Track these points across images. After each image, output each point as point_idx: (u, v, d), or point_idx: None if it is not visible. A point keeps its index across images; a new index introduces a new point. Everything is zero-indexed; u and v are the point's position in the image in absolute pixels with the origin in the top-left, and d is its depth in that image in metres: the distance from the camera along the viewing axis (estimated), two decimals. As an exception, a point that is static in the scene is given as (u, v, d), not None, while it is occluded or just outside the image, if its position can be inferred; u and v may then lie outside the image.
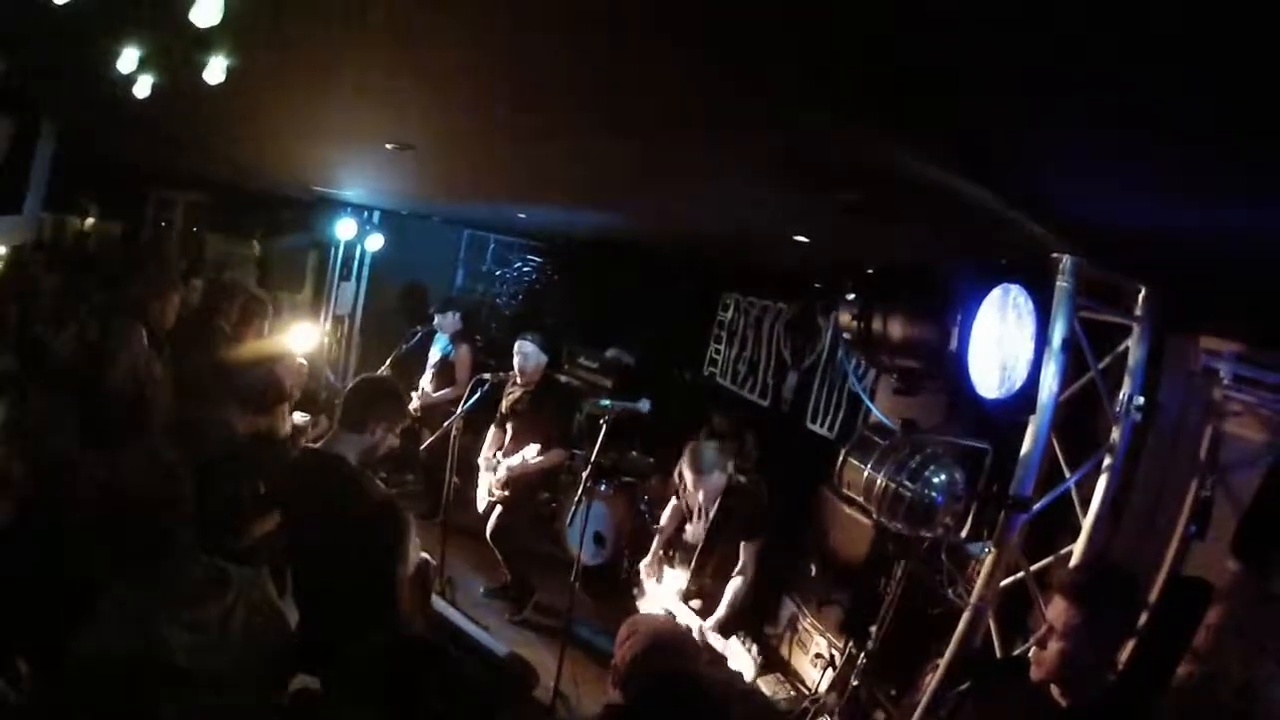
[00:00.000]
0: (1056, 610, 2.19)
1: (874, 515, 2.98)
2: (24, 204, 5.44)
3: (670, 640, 2.56)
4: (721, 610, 3.89)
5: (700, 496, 4.09)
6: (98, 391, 3.62)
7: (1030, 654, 2.26)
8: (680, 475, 4.29)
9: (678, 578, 4.19)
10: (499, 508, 5.43)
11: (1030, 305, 2.73)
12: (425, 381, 6.93)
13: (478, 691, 2.12)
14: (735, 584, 3.97)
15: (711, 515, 4.08)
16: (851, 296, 2.80)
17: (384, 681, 2.04)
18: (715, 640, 3.75)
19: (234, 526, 3.11)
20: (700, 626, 3.84)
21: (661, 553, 4.37)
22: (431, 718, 2.00)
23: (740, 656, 3.62)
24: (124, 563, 2.24)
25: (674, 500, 4.45)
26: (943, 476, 2.80)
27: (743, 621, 4.01)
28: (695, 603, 4.03)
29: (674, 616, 3.95)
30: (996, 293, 2.60)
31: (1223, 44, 1.20)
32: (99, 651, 1.94)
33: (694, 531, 4.22)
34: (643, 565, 4.38)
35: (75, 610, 2.07)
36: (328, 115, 3.40)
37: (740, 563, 3.98)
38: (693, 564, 4.14)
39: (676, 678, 2.26)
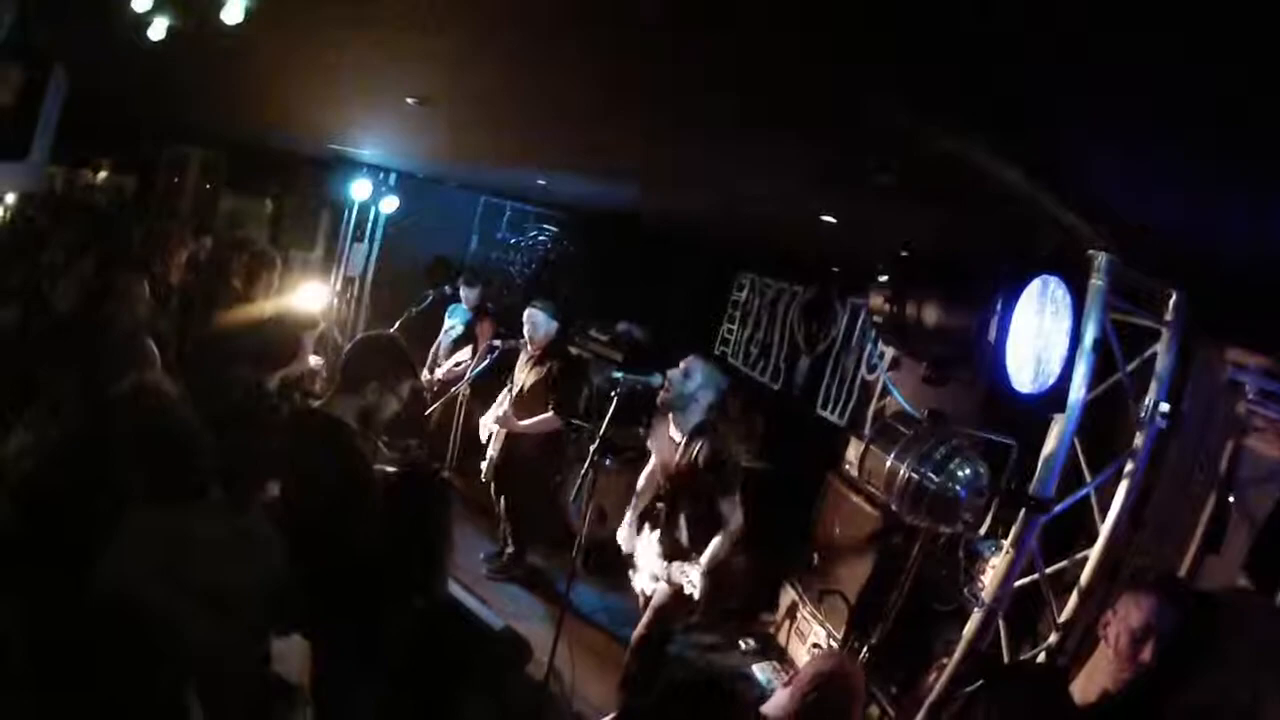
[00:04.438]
0: (1151, 611, 2.19)
1: (894, 507, 2.90)
2: (31, 152, 5.37)
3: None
4: (705, 560, 3.86)
5: (674, 434, 4.06)
6: (98, 342, 3.57)
7: (1113, 648, 2.26)
8: (655, 429, 4.29)
9: (657, 537, 4.14)
10: (499, 467, 5.51)
11: (1068, 300, 2.65)
12: (442, 353, 6.90)
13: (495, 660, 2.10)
14: (719, 537, 3.91)
15: (678, 459, 4.02)
16: (884, 278, 2.70)
17: (424, 653, 1.99)
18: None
19: (252, 482, 3.08)
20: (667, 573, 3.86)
21: (638, 519, 4.33)
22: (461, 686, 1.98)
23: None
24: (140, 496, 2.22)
25: (649, 466, 4.42)
26: (967, 470, 2.73)
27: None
28: (679, 562, 3.98)
29: (658, 576, 3.96)
30: (1036, 284, 2.52)
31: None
32: (119, 584, 1.90)
33: (664, 482, 4.18)
34: (620, 536, 4.34)
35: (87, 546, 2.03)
36: (349, 62, 3.28)
37: (725, 515, 3.92)
38: (664, 518, 4.09)
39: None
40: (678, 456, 4.00)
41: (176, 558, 2.11)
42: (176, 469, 2.32)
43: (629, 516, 4.38)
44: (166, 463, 2.32)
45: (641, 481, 4.45)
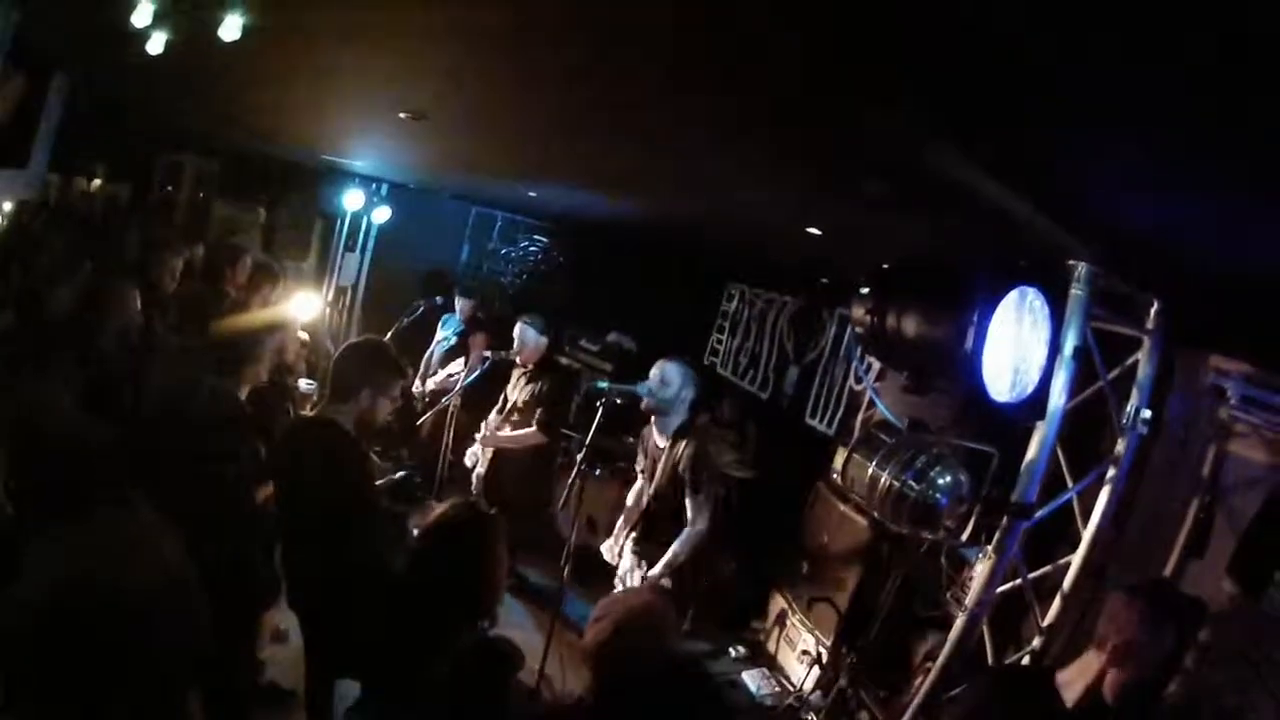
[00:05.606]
0: (1147, 630, 2.18)
1: (876, 514, 2.94)
2: (30, 159, 5.39)
3: (641, 621, 2.43)
4: (661, 564, 3.86)
5: (659, 439, 4.07)
6: (93, 349, 3.59)
7: (1093, 663, 2.25)
8: (644, 437, 4.29)
9: (630, 546, 4.15)
10: (489, 478, 5.53)
11: (1046, 310, 2.70)
12: (434, 364, 6.90)
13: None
14: (683, 535, 3.90)
15: (663, 462, 4.02)
16: (865, 290, 2.75)
17: (475, 685, 1.97)
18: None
19: (238, 491, 3.07)
20: (640, 576, 3.83)
21: (626, 530, 4.34)
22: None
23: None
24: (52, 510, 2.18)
25: (638, 480, 4.41)
26: (948, 478, 2.77)
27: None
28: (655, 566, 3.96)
29: (634, 579, 3.94)
30: (1014, 295, 2.57)
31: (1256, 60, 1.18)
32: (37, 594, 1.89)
33: (648, 487, 4.17)
34: (604, 547, 4.35)
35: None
36: (343, 79, 3.33)
37: (690, 516, 3.90)
38: (643, 520, 4.09)
39: (647, 670, 2.18)
40: (663, 460, 4.03)
41: (74, 569, 2.08)
42: (67, 480, 2.29)
43: (617, 530, 4.39)
44: (56, 475, 2.28)
45: (630, 499, 4.47)
